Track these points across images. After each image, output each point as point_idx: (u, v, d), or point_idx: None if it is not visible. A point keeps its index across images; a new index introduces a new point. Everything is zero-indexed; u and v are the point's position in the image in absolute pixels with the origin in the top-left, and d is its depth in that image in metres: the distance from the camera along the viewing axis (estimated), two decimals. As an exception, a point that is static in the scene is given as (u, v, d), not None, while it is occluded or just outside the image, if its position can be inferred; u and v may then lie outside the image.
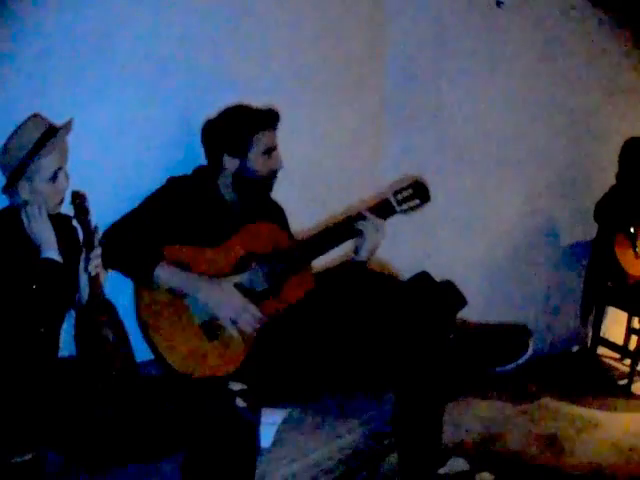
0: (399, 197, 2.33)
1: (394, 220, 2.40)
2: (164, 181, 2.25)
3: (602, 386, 4.01)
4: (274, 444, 2.05)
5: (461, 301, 2.22)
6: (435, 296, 2.21)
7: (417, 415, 2.19)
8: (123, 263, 2.07)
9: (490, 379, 3.39)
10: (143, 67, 2.31)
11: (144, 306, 2.06)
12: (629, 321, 4.37)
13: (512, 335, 2.28)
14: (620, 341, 4.33)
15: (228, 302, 2.07)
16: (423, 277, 2.25)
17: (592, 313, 4.20)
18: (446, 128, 3.51)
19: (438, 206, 2.61)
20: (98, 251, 1.87)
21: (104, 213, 2.07)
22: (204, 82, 2.46)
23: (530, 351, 2.24)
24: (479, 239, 3.80)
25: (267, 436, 2.06)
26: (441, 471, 2.28)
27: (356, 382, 2.26)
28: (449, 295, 2.23)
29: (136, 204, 2.20)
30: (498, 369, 2.28)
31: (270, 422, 2.10)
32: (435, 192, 2.42)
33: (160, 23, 2.33)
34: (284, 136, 2.35)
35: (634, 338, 4.14)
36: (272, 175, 2.30)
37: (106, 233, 2.09)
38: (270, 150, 2.25)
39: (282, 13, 2.77)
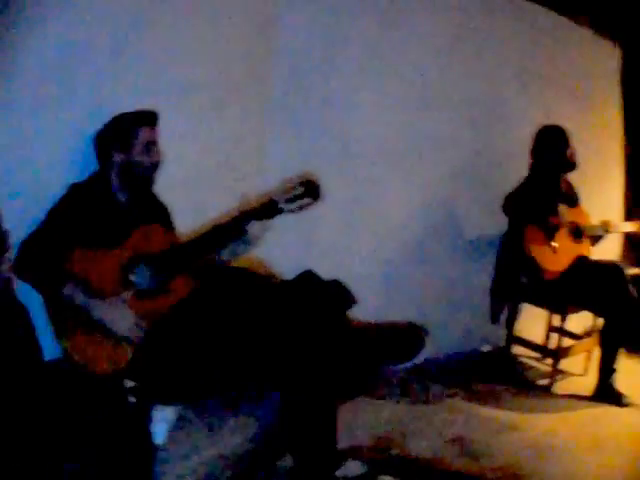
0: (287, 196, 2.79)
1: (281, 219, 2.81)
2: (67, 188, 2.84)
3: (521, 387, 4.53)
4: (168, 441, 2.55)
5: (349, 300, 2.69)
6: (320, 295, 2.66)
7: (304, 416, 2.63)
8: (34, 283, 2.63)
9: (392, 379, 4.15)
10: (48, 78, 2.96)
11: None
12: (549, 319, 5.00)
13: (406, 334, 2.91)
14: (540, 340, 4.91)
15: (119, 319, 2.62)
16: (307, 276, 2.73)
17: (504, 311, 4.71)
18: (336, 123, 4.03)
19: (327, 203, 2.99)
20: (8, 255, 2.46)
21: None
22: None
23: (426, 349, 2.88)
24: (372, 235, 4.27)
25: (160, 433, 2.60)
26: (338, 474, 2.72)
27: (246, 382, 2.78)
28: (336, 294, 2.69)
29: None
30: (393, 367, 2.89)
31: (162, 419, 2.64)
32: (325, 188, 2.84)
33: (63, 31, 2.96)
34: (168, 137, 3.01)
35: (555, 337, 4.69)
36: (154, 168, 2.95)
37: (19, 248, 2.64)
38: (150, 144, 2.92)
39: (164, 10, 3.27)
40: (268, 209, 2.81)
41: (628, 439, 3.87)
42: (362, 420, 3.70)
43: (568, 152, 4.55)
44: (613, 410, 4.27)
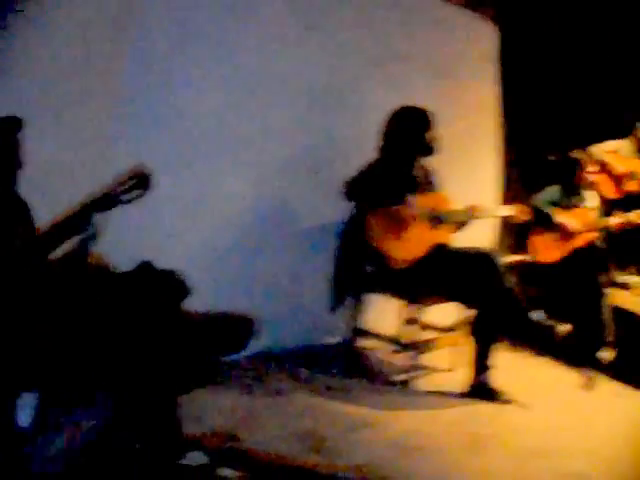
0: (120, 188, 2.84)
1: (119, 211, 2.85)
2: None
3: (374, 381, 4.49)
4: (34, 425, 2.74)
5: (185, 290, 2.81)
6: (157, 286, 2.77)
7: (142, 410, 2.77)
8: None
9: (240, 371, 4.17)
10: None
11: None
12: (402, 310, 4.72)
13: (235, 324, 3.05)
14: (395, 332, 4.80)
15: None
16: (145, 267, 2.83)
17: (346, 301, 4.62)
18: (178, 115, 4.19)
19: (166, 194, 3.24)
20: None
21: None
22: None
23: (256, 340, 2.97)
24: (209, 225, 4.36)
25: (25, 418, 2.75)
26: (181, 463, 2.89)
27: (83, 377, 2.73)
28: (172, 284, 2.81)
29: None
30: (225, 358, 2.92)
31: (26, 405, 2.77)
32: (165, 180, 3.02)
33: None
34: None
35: (413, 329, 4.56)
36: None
37: None
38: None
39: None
40: (102, 201, 2.85)
41: (512, 438, 3.86)
42: (209, 411, 3.71)
43: (428, 136, 4.54)
44: (491, 408, 4.26)
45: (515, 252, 6.19)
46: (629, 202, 6.37)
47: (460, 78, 5.77)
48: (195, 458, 2.95)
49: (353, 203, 4.45)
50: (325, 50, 4.84)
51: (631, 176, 6.67)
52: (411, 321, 4.69)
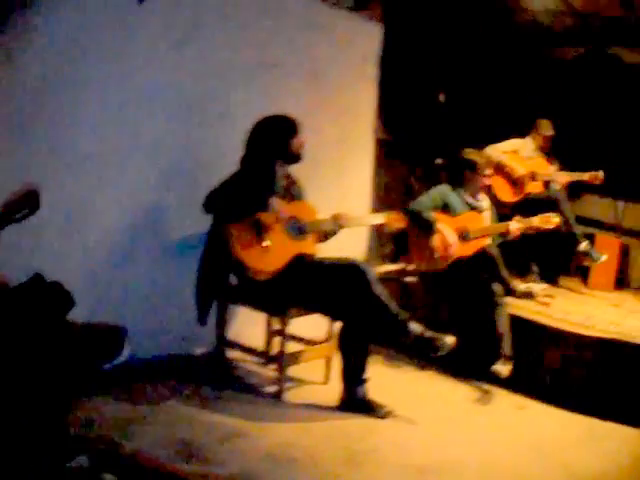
0: (10, 207, 2.96)
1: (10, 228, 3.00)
2: None
3: (244, 393, 4.59)
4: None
5: (70, 302, 2.96)
6: (47, 298, 2.93)
7: (28, 417, 2.90)
8: None
9: (113, 379, 3.96)
10: None
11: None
12: (268, 323, 4.92)
13: (108, 335, 3.07)
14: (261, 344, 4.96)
15: None
16: (36, 279, 2.97)
17: (211, 312, 4.66)
18: (55, 133, 4.24)
19: (50, 209, 3.27)
20: None
21: None
22: None
23: (127, 351, 3.04)
24: (87, 238, 4.47)
25: None
26: (69, 465, 3.01)
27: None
28: (58, 296, 2.97)
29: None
30: (100, 368, 3.03)
31: None
32: (49, 195, 3.11)
33: None
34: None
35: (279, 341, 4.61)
36: None
37: None
38: None
39: None
40: None
41: (394, 454, 4.00)
42: (93, 418, 3.81)
43: (294, 143, 4.63)
44: (368, 422, 4.37)
45: (395, 261, 6.37)
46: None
47: (337, 82, 5.87)
48: (81, 461, 3.04)
49: (212, 213, 4.52)
50: (200, 61, 4.92)
51: (532, 177, 6.93)
52: (277, 333, 4.79)
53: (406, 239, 5.98)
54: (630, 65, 7.63)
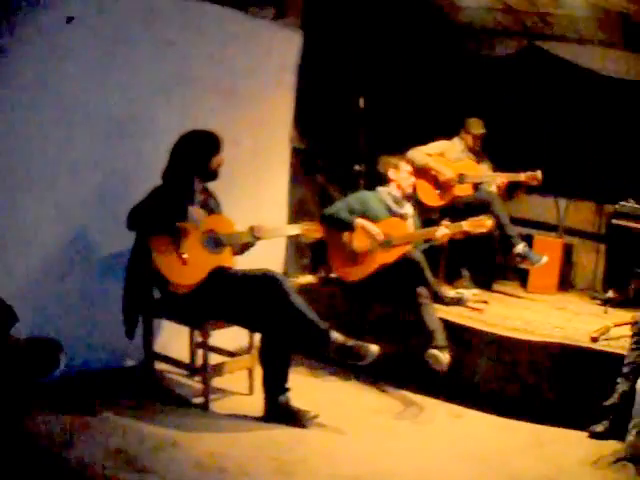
0: None
1: None
2: None
3: (174, 404, 4.91)
4: None
5: (13, 317, 3.22)
6: None
7: None
8: None
9: (48, 392, 4.36)
10: None
11: None
12: (191, 335, 5.20)
13: (45, 349, 3.33)
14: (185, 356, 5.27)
15: None
16: None
17: (138, 325, 4.97)
18: None
19: None
20: None
21: None
22: None
23: (62, 364, 3.30)
24: (20, 255, 4.84)
25: None
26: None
27: None
28: (2, 312, 3.06)
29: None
30: (38, 382, 3.25)
31: None
32: None
33: None
34: None
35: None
36: None
37: None
38: None
39: None
40: None
41: (323, 465, 4.20)
42: (31, 430, 4.02)
43: (214, 161, 4.95)
44: (297, 432, 4.62)
45: (315, 271, 6.66)
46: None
47: (255, 93, 6.28)
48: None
49: (134, 229, 4.81)
50: (125, 79, 5.27)
51: (460, 179, 7.09)
52: (199, 345, 5.07)
53: (325, 249, 6.18)
54: (564, 60, 7.84)
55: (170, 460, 3.99)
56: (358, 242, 6.02)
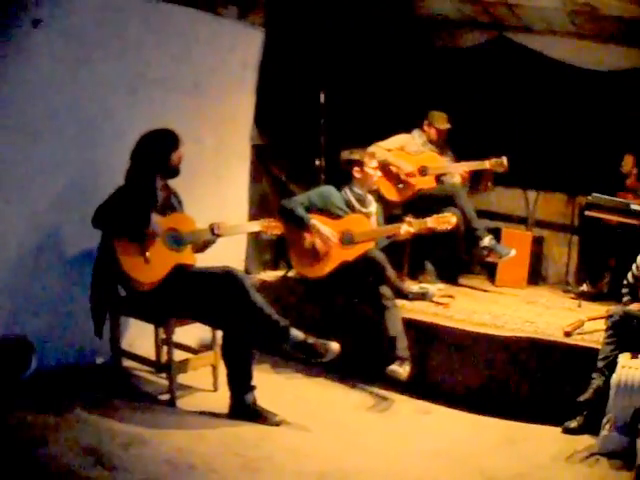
0: None
1: None
2: None
3: (142, 401, 4.99)
4: None
5: None
6: None
7: None
8: None
9: (20, 390, 4.55)
10: None
11: None
12: (156, 333, 5.31)
13: (17, 348, 3.44)
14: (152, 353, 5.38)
15: None
16: None
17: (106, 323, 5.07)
18: None
19: None
20: None
21: None
22: None
23: (34, 363, 3.39)
24: None
25: None
26: None
27: None
28: None
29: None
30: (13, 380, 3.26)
31: None
32: None
33: None
34: None
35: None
36: None
37: None
38: None
39: None
40: None
41: (289, 461, 4.32)
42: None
43: (174, 157, 5.06)
44: (259, 429, 4.73)
45: (276, 267, 6.76)
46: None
47: (217, 91, 6.42)
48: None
49: (100, 228, 4.94)
50: (93, 80, 5.40)
51: (422, 172, 7.14)
52: (164, 342, 5.20)
53: (285, 245, 6.22)
54: (534, 51, 7.93)
55: (140, 457, 4.12)
56: (318, 239, 6.02)
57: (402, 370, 5.40)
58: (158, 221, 4.92)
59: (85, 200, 5.13)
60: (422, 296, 6.22)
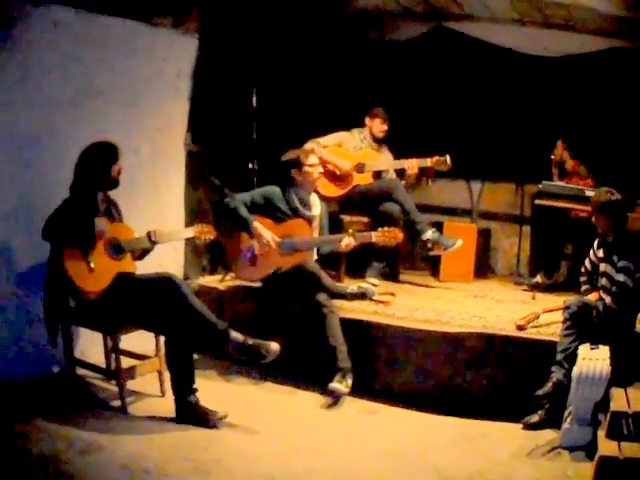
0: None
1: None
2: None
3: (97, 408, 5.21)
4: None
5: None
6: None
7: None
8: None
9: None
10: None
11: None
12: (105, 341, 5.48)
13: None
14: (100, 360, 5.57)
15: None
16: None
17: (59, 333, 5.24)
18: None
19: None
20: None
21: None
22: None
23: None
24: None
25: None
26: None
27: None
28: None
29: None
30: None
31: None
32: None
33: None
34: None
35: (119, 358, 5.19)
36: None
37: None
38: None
39: None
40: None
41: (238, 464, 4.50)
42: None
43: (113, 169, 5.23)
44: (211, 432, 4.93)
45: (214, 272, 6.95)
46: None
47: (153, 101, 6.67)
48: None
49: (48, 240, 5.11)
50: (34, 97, 5.58)
51: (359, 169, 7.29)
52: (112, 350, 5.39)
53: (223, 250, 6.42)
54: (477, 40, 8.09)
55: (97, 463, 4.34)
56: (257, 242, 6.17)
57: (343, 387, 5.59)
58: (101, 229, 5.13)
59: (33, 214, 5.36)
60: (361, 295, 6.35)
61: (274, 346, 5.14)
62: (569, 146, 7.40)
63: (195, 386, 5.14)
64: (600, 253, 5.68)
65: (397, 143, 7.61)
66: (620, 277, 5.36)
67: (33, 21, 5.51)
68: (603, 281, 5.58)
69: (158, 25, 6.52)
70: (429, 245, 6.97)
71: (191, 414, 5.08)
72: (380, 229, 6.14)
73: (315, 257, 6.36)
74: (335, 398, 5.67)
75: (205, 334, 5.11)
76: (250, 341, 5.13)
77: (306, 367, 6.00)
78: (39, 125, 5.63)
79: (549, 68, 7.80)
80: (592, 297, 5.61)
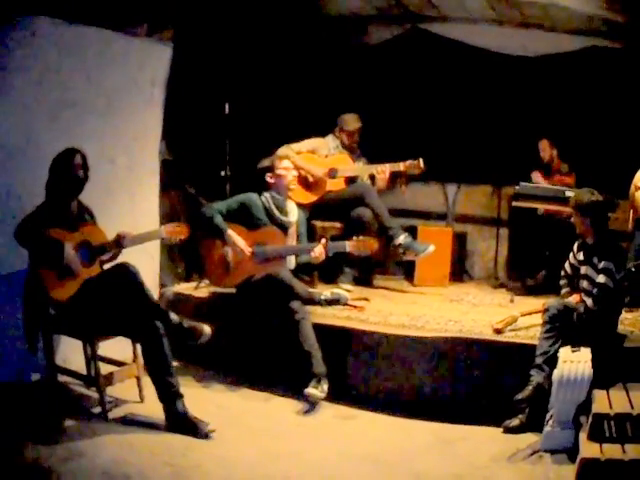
0: None
1: None
2: None
3: (78, 414, 5.34)
4: None
5: None
6: None
7: None
8: None
9: None
10: None
11: None
12: (85, 348, 5.54)
13: None
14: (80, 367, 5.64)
15: None
16: None
17: (39, 340, 5.38)
18: None
19: None
20: None
21: None
22: None
23: None
24: None
25: None
26: None
27: None
28: None
29: None
30: None
31: None
32: None
33: None
34: None
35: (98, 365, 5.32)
36: None
37: None
38: None
39: None
40: None
41: (216, 470, 4.62)
42: None
43: (74, 166, 5.37)
44: (187, 438, 5.03)
45: (189, 278, 7.11)
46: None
47: (128, 110, 6.79)
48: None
49: (22, 245, 5.24)
50: (12, 108, 5.72)
51: (332, 174, 7.43)
52: (91, 357, 5.52)
53: (198, 257, 6.53)
54: (454, 41, 8.24)
55: (79, 470, 4.48)
56: (231, 250, 6.34)
57: (319, 392, 5.69)
58: (69, 234, 5.28)
59: (12, 223, 5.42)
60: (335, 301, 6.46)
61: (206, 329, 5.43)
62: (555, 144, 7.53)
63: (180, 392, 5.23)
64: (580, 256, 5.76)
65: (371, 148, 7.71)
66: (601, 279, 5.43)
67: (11, 31, 5.60)
68: (584, 284, 5.66)
69: (133, 34, 6.63)
70: (401, 250, 7.09)
71: (182, 424, 5.17)
72: (355, 238, 6.24)
73: (293, 266, 6.42)
74: (311, 404, 5.77)
75: (146, 312, 5.29)
76: (186, 323, 5.39)
77: (281, 373, 6.13)
78: (19, 136, 5.77)
79: (525, 69, 7.95)
80: (572, 299, 5.69)
